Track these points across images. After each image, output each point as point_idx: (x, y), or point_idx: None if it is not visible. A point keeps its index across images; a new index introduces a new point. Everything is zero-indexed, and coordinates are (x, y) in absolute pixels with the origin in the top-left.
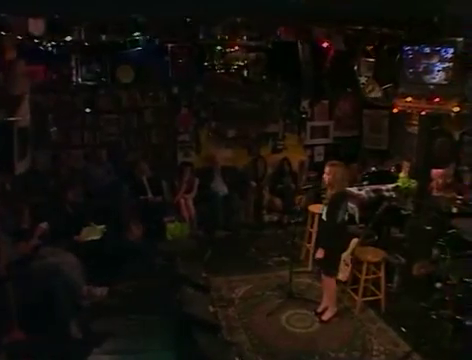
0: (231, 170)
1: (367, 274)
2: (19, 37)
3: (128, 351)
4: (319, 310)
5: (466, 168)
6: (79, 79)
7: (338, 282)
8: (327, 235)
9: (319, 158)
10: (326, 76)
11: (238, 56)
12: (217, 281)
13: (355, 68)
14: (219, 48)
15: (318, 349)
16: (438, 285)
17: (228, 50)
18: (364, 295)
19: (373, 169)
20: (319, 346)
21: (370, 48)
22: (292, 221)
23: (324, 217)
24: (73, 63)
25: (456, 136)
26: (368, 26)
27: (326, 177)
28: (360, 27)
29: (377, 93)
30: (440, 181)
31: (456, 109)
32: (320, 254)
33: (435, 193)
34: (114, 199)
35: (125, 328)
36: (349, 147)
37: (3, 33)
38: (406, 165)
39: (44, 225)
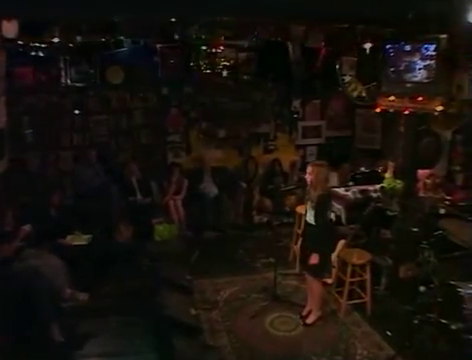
0: (221, 171)
1: (353, 276)
2: None
3: (110, 354)
4: (304, 313)
5: (458, 168)
6: (68, 80)
7: (324, 284)
8: (317, 238)
9: (311, 158)
10: (317, 75)
11: (224, 56)
12: (202, 283)
13: (337, 67)
14: (204, 48)
15: (300, 353)
16: (422, 289)
17: (214, 50)
18: (350, 298)
19: (362, 169)
20: (302, 350)
21: (352, 46)
22: (275, 223)
23: (311, 220)
24: (62, 64)
25: (448, 136)
26: (350, 24)
27: (308, 177)
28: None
29: (360, 92)
30: (428, 181)
31: (439, 108)
32: (315, 259)
33: (422, 194)
34: (103, 200)
35: (107, 330)
36: (341, 147)
37: None
38: (391, 165)
39: (27, 227)
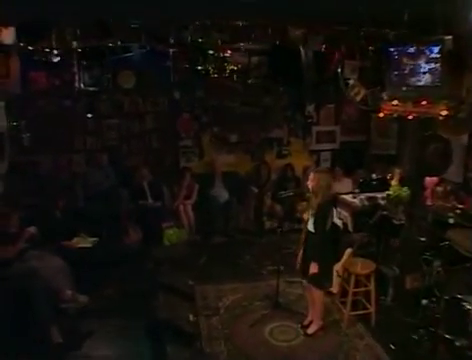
0: (233, 176)
1: (358, 286)
2: None
3: (105, 357)
4: (305, 323)
5: None
6: (81, 85)
7: (328, 294)
8: (317, 247)
9: (325, 164)
10: (331, 79)
11: (233, 60)
12: (205, 289)
13: (339, 70)
14: (211, 52)
15: None
16: (424, 302)
17: (222, 54)
18: (355, 308)
19: (373, 176)
20: None
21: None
22: (281, 229)
23: (311, 229)
24: (75, 69)
25: (463, 141)
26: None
27: (310, 184)
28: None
29: (363, 96)
30: (439, 189)
31: (444, 113)
32: (314, 269)
33: (429, 202)
34: (112, 204)
35: (105, 333)
36: (356, 152)
37: None
38: (397, 172)
39: (32, 229)
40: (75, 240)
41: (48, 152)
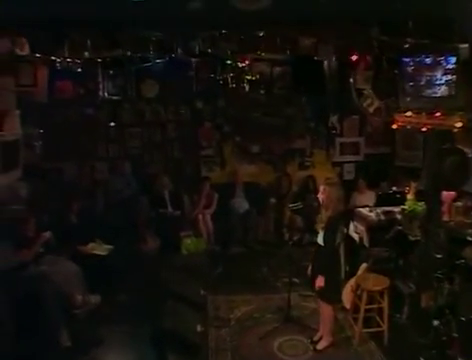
0: (254, 186)
1: (372, 303)
2: None
3: None
4: (315, 338)
5: None
6: (105, 94)
7: (343, 309)
8: (325, 260)
9: (349, 176)
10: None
11: (254, 70)
12: (218, 299)
13: (351, 80)
14: (229, 62)
15: None
16: (435, 323)
17: (241, 64)
18: (368, 325)
19: (394, 189)
20: None
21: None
22: (291, 242)
23: (321, 242)
24: (99, 78)
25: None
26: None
27: (320, 197)
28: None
29: (377, 107)
30: (459, 204)
31: (459, 124)
32: (321, 282)
33: (446, 218)
34: (132, 211)
35: (113, 339)
36: (380, 165)
37: None
38: (413, 186)
39: (47, 234)
40: (90, 246)
41: (71, 159)
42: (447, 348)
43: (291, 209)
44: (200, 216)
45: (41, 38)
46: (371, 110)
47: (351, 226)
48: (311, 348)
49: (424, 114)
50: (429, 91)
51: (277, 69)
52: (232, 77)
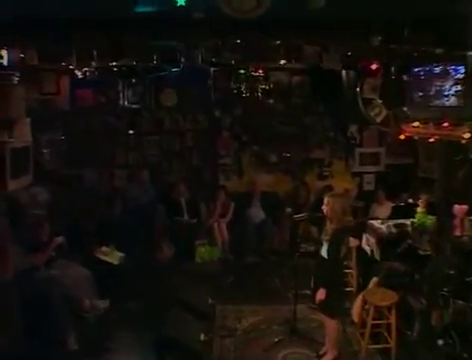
0: (271, 196)
1: (381, 318)
2: None
3: None
4: (321, 352)
5: None
6: (125, 102)
7: (352, 323)
8: (328, 273)
9: (369, 187)
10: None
11: (261, 80)
12: (226, 309)
13: (358, 90)
14: (242, 71)
15: None
16: (440, 342)
17: (255, 73)
18: (377, 341)
19: (410, 201)
20: None
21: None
22: (298, 253)
23: (324, 254)
24: (120, 87)
25: None
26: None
27: (325, 208)
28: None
29: (385, 117)
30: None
31: (467, 135)
32: (322, 295)
33: (458, 232)
34: (148, 218)
35: (121, 344)
36: (402, 176)
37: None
38: (424, 199)
39: (60, 239)
40: (102, 250)
41: (92, 166)
42: None
43: (300, 219)
44: (215, 225)
45: (49, 48)
46: (379, 120)
47: (364, 238)
48: None
49: (432, 124)
50: (438, 101)
51: (295, 78)
52: (247, 86)
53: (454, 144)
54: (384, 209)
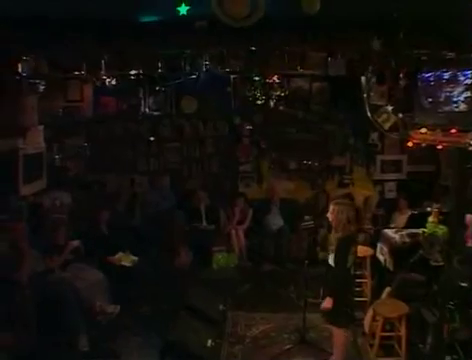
0: (290, 203)
1: (392, 330)
2: None
3: None
4: None
5: None
6: (146, 109)
7: (364, 334)
8: (335, 282)
9: (390, 195)
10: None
11: (276, 87)
12: (238, 315)
13: (365, 96)
14: (257, 79)
15: None
16: (447, 359)
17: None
18: (388, 353)
19: (429, 209)
20: None
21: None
22: (307, 261)
23: (331, 262)
24: (141, 94)
25: None
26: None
27: (330, 217)
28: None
29: (394, 123)
30: None
31: None
32: (328, 304)
33: (470, 243)
34: (167, 224)
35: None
36: (424, 183)
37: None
38: (435, 208)
39: (76, 243)
40: (118, 256)
41: (113, 171)
42: None
43: (306, 227)
44: (233, 231)
45: (59, 58)
46: (386, 126)
47: (378, 247)
48: None
49: (439, 131)
50: (447, 107)
51: (316, 85)
52: (261, 93)
53: (467, 152)
54: (406, 218)
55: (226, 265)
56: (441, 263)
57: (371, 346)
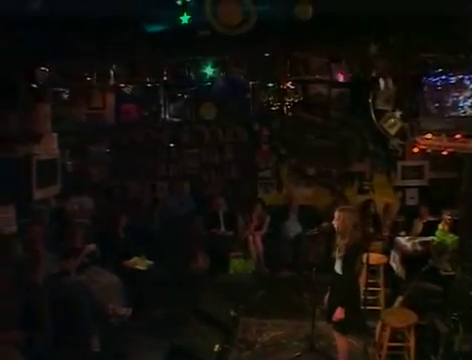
0: (309, 209)
1: (402, 340)
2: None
3: None
4: None
5: None
6: (166, 116)
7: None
8: (344, 291)
9: (412, 201)
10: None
11: (291, 93)
12: (250, 322)
13: (370, 100)
14: (271, 85)
15: None
16: None
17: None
18: None
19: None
20: None
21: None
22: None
23: (339, 271)
24: (161, 101)
25: None
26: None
27: (335, 223)
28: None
29: (400, 129)
30: None
31: None
32: (340, 314)
33: None
34: (186, 229)
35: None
36: (446, 190)
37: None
38: (446, 216)
39: (92, 246)
40: (133, 260)
41: (134, 177)
42: None
43: (312, 234)
44: (250, 237)
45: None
46: (393, 132)
47: (391, 255)
48: None
49: (444, 136)
50: (454, 112)
51: (335, 90)
52: (275, 99)
53: None
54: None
55: (243, 271)
56: (451, 272)
57: (380, 356)
